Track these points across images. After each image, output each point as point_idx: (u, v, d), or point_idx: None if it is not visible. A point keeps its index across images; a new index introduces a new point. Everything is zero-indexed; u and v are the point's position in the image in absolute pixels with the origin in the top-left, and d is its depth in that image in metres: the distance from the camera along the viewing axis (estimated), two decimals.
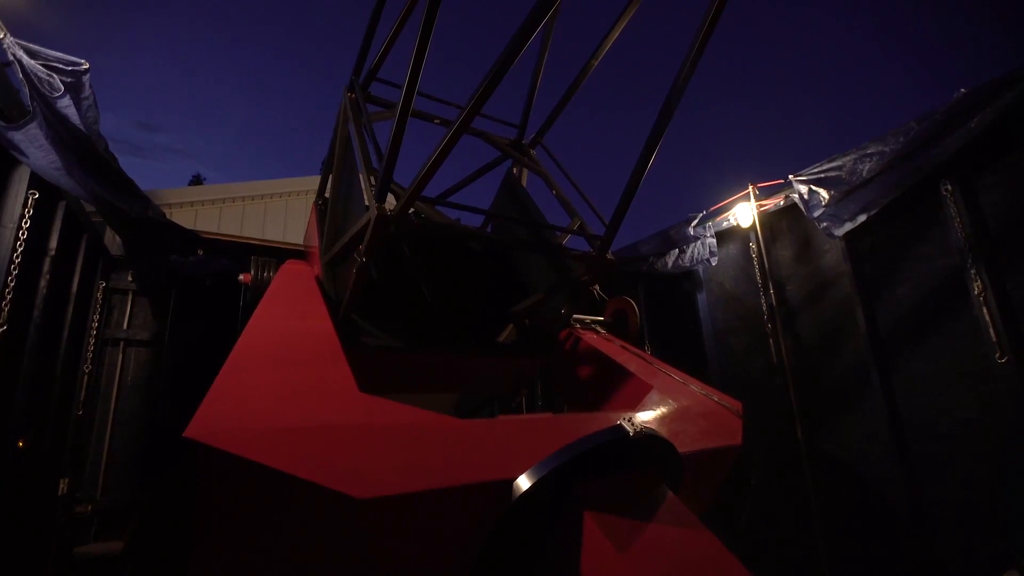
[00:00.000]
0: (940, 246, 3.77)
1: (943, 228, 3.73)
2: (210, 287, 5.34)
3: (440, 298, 3.62)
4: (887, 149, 3.74)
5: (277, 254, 4.83)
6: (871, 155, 3.86)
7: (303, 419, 1.52)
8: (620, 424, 1.73)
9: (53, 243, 3.84)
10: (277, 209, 9.24)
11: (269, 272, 3.70)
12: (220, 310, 5.07)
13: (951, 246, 3.68)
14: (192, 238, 5.36)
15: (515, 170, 4.33)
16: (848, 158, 4.04)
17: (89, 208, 4.18)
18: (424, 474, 1.45)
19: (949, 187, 3.67)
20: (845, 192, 4.04)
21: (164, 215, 4.86)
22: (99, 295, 5.18)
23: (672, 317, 6.24)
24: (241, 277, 3.64)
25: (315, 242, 3.80)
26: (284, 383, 1.76)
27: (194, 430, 1.36)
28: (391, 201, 2.89)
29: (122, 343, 5.35)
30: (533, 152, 4.37)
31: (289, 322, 2.47)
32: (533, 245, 3.78)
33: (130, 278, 5.45)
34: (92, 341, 5.00)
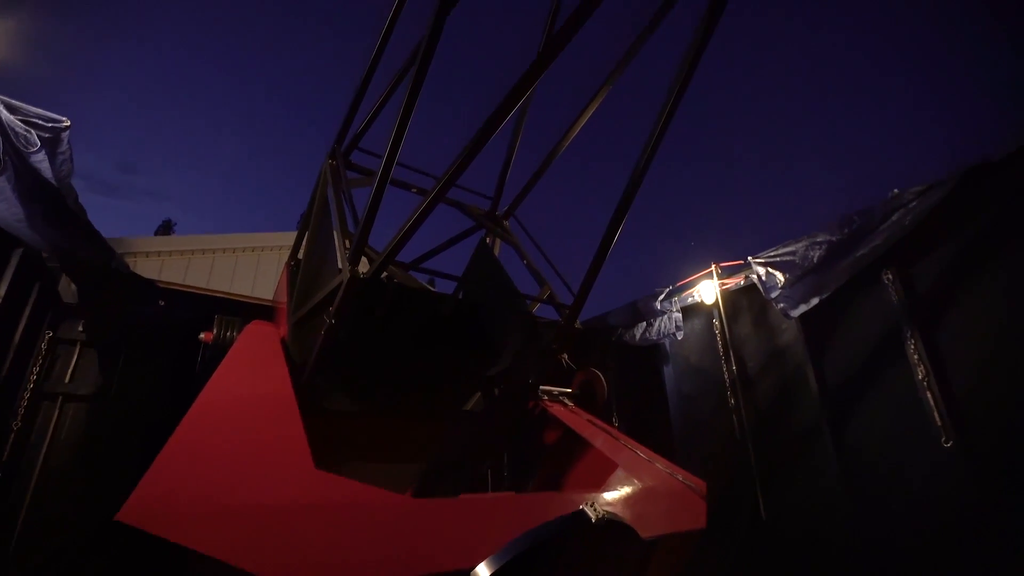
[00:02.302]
0: (885, 327, 4.00)
1: (887, 311, 3.98)
2: (166, 342, 5.12)
3: (408, 363, 3.58)
4: (834, 239, 4.04)
5: (243, 310, 4.71)
6: (820, 243, 4.14)
7: (250, 498, 1.45)
8: (583, 509, 1.71)
9: (2, 290, 3.68)
10: (248, 263, 9.11)
11: (233, 332, 3.61)
12: (175, 367, 4.84)
13: (894, 328, 3.91)
14: (149, 288, 5.16)
15: (488, 239, 4.47)
16: (800, 244, 4.32)
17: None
18: (373, 566, 1.38)
19: (890, 276, 3.96)
20: (799, 276, 4.29)
21: (127, 266, 4.74)
22: (43, 345, 4.90)
23: (640, 388, 6.29)
24: (202, 335, 3.54)
25: (284, 302, 3.76)
26: (235, 454, 1.69)
27: (129, 512, 1.28)
28: (364, 264, 2.93)
29: (60, 398, 5.01)
30: (506, 223, 4.53)
31: (249, 386, 2.39)
32: (503, 312, 3.84)
33: (81, 328, 5.20)
34: (27, 394, 4.68)
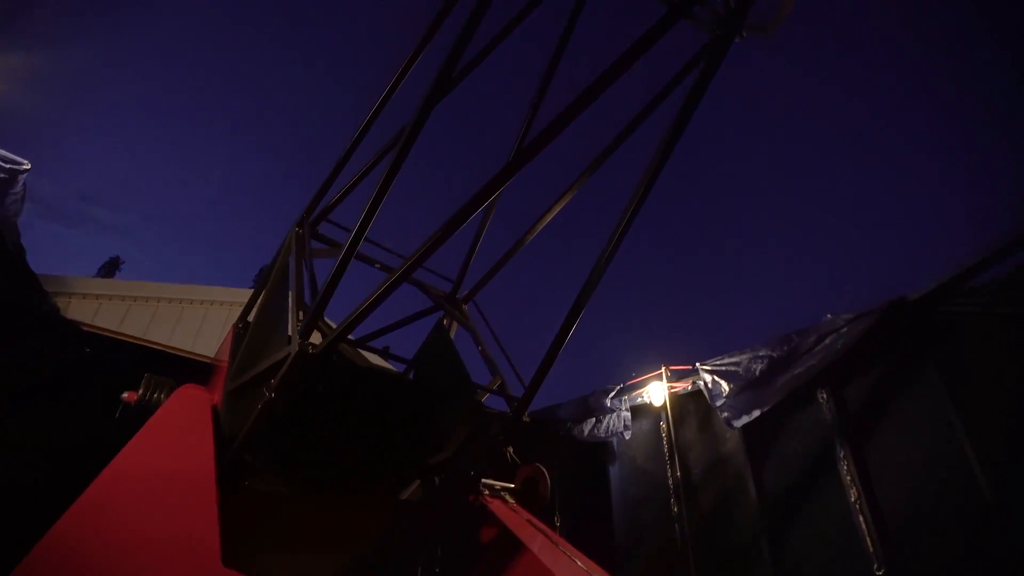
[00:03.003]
0: (820, 445, 4.15)
1: (822, 429, 4.14)
2: (81, 394, 4.71)
3: (348, 445, 3.42)
4: (774, 354, 4.26)
5: (177, 364, 4.46)
6: (762, 357, 4.36)
7: None
8: None
9: None
10: (193, 316, 8.69)
11: (161, 394, 3.38)
12: (86, 425, 4.42)
13: (829, 446, 4.06)
14: (71, 331, 4.77)
15: (445, 321, 4.47)
16: (744, 356, 4.53)
17: None
18: None
19: (824, 395, 4.17)
20: (742, 386, 4.45)
21: (58, 310, 4.46)
22: None
23: (584, 487, 6.13)
24: (125, 395, 3.29)
25: (224, 364, 3.59)
26: (134, 542, 1.53)
27: None
28: (315, 337, 2.87)
29: None
30: (465, 307, 4.58)
31: (166, 460, 2.22)
32: (452, 399, 3.77)
33: None
34: None
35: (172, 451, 2.31)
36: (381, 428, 3.64)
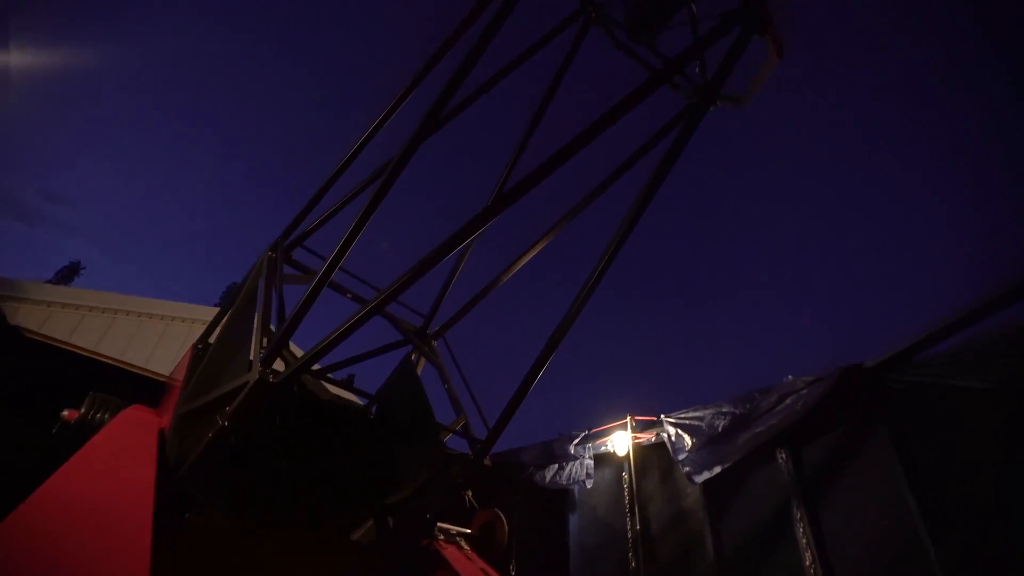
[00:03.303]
0: (778, 505, 4.18)
1: (780, 489, 4.18)
2: (13, 408, 4.41)
3: (300, 480, 3.28)
4: (737, 411, 4.33)
5: (127, 383, 4.26)
6: (725, 413, 4.42)
7: None
8: None
9: None
10: (151, 331, 8.33)
11: (105, 414, 3.21)
12: (15, 444, 4.13)
13: (786, 507, 4.09)
14: (11, 336, 4.49)
15: (413, 356, 4.42)
16: (708, 411, 4.59)
17: None
18: None
19: (783, 455, 4.22)
20: (704, 442, 4.48)
21: (4, 317, 4.23)
22: None
23: (543, 535, 5.97)
24: (65, 413, 3.11)
25: (179, 385, 3.45)
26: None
27: None
28: (278, 365, 2.79)
29: None
30: (434, 343, 4.54)
31: (102, 488, 2.09)
32: (414, 438, 3.68)
33: None
34: None
35: (107, 478, 2.18)
36: (338, 465, 3.52)
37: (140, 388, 4.06)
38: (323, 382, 4.03)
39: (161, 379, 5.12)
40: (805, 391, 4.01)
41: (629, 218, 2.81)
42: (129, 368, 5.60)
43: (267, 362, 2.60)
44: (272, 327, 3.15)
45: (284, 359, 3.13)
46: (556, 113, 4.18)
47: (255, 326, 3.27)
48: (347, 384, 4.92)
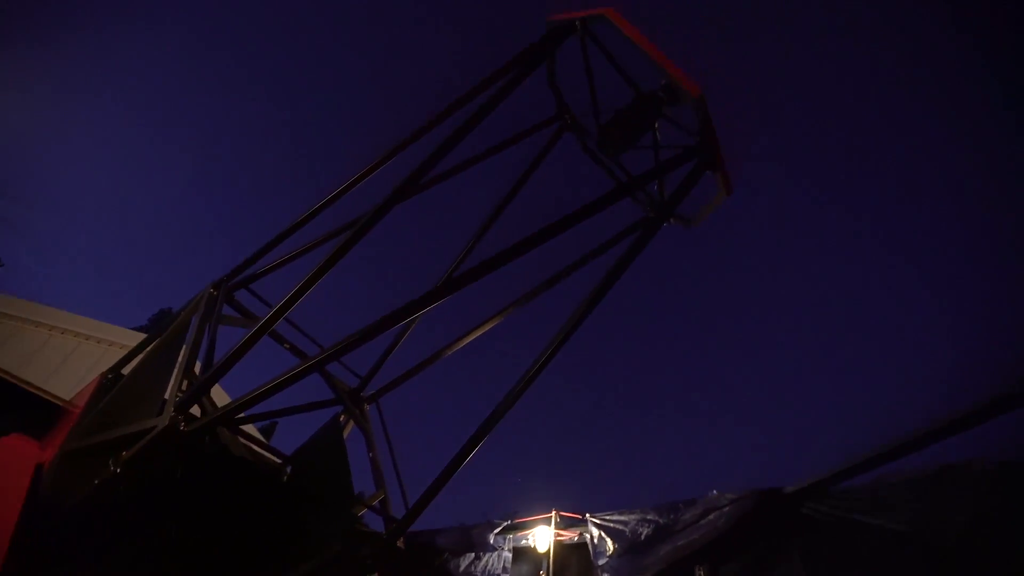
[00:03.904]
0: None
1: None
2: None
3: (196, 539, 2.97)
4: (661, 520, 4.30)
5: (18, 401, 3.90)
6: (650, 521, 4.37)
7: None
8: None
9: None
10: (59, 347, 7.61)
11: None
12: None
13: None
14: None
15: (342, 418, 4.22)
16: (633, 516, 4.52)
17: None
18: None
19: (702, 573, 4.16)
20: (626, 548, 4.38)
21: None
22: None
23: None
24: None
25: (77, 414, 3.15)
26: None
27: None
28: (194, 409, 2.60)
29: None
30: (367, 407, 4.37)
31: None
32: (328, 509, 3.43)
33: None
34: None
35: None
36: (238, 530, 3.21)
37: (35, 410, 3.71)
38: (237, 433, 3.77)
39: (58, 403, 4.66)
40: (728, 508, 4.05)
41: (576, 317, 2.92)
42: (23, 386, 5.05)
43: (183, 407, 2.44)
44: (197, 369, 2.98)
45: (202, 406, 2.94)
46: (517, 205, 4.38)
47: (178, 364, 3.10)
48: (268, 431, 4.58)
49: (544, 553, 5.24)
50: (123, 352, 4.59)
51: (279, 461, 3.90)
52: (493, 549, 5.32)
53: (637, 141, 3.66)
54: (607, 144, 3.69)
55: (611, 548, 4.49)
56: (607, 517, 4.73)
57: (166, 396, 2.92)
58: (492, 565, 5.24)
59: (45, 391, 6.03)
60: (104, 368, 3.87)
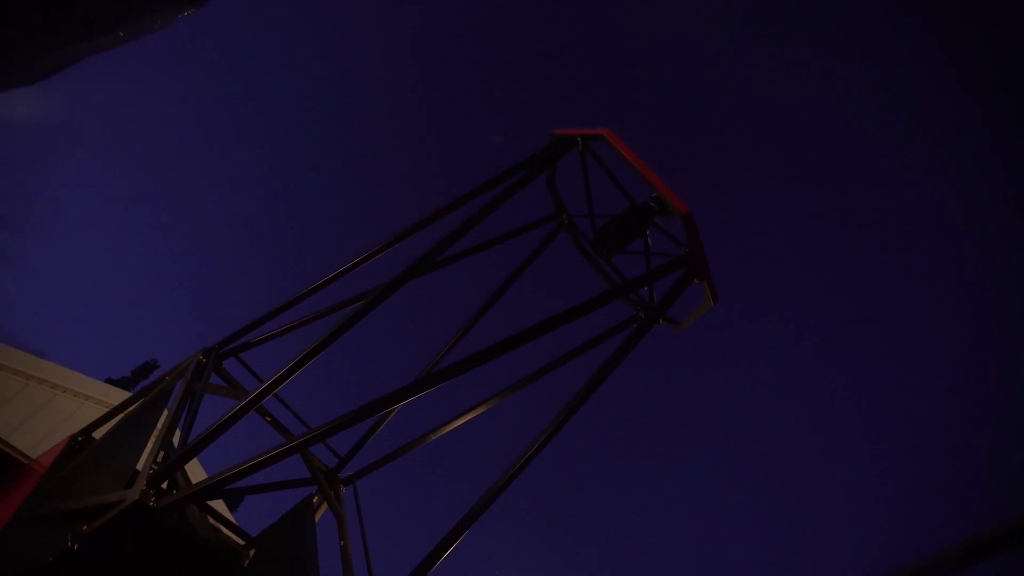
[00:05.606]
0: None
1: None
2: None
3: None
4: None
5: None
6: None
7: None
8: None
9: None
10: (31, 398, 7.31)
11: None
12: None
13: None
14: None
15: (315, 499, 4.04)
16: None
17: None
18: None
19: None
20: None
21: None
22: None
23: None
24: None
25: (35, 480, 3.03)
26: None
27: None
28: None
29: None
30: (343, 489, 4.20)
31: None
32: None
33: None
34: None
35: None
36: None
37: None
38: (206, 510, 3.60)
39: (21, 460, 4.47)
40: None
41: (564, 413, 2.94)
42: None
43: (156, 481, 2.37)
44: (176, 439, 2.92)
45: (175, 480, 2.86)
46: (504, 300, 4.50)
47: (156, 432, 3.04)
48: (237, 499, 4.36)
49: None
50: (99, 409, 4.50)
51: (243, 543, 3.70)
52: None
53: (629, 245, 3.87)
54: (601, 246, 3.89)
55: None
56: None
57: (139, 467, 2.85)
58: None
59: (8, 444, 5.76)
60: (77, 426, 3.78)
